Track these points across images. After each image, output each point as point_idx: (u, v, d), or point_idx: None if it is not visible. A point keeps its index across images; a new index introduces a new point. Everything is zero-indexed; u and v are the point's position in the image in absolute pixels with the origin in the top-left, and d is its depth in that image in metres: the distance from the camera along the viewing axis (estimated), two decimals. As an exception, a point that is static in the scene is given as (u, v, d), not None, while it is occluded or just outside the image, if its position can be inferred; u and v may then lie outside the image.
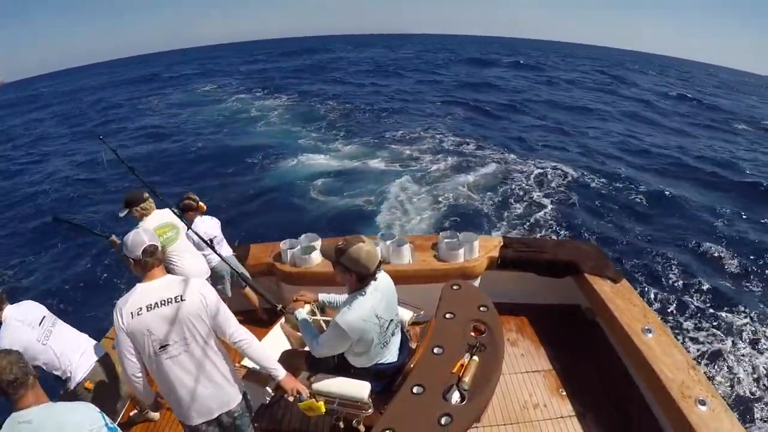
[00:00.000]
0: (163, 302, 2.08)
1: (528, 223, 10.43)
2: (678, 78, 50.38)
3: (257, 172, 14.78)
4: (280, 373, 2.35)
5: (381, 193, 12.36)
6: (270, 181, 13.82)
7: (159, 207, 3.77)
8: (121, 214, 3.71)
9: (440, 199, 11.88)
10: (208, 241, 4.05)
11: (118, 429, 1.88)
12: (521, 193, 12.24)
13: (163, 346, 2.09)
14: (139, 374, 2.17)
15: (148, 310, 2.05)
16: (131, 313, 2.05)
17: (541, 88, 32.32)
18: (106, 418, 1.85)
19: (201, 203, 4.21)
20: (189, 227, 3.37)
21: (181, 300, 2.10)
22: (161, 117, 25.81)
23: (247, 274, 4.33)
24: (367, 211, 11.45)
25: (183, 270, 3.74)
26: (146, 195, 3.65)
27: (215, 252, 3.95)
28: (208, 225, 4.22)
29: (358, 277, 2.31)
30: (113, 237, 3.94)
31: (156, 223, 3.66)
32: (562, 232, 9.95)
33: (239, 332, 2.26)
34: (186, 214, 4.16)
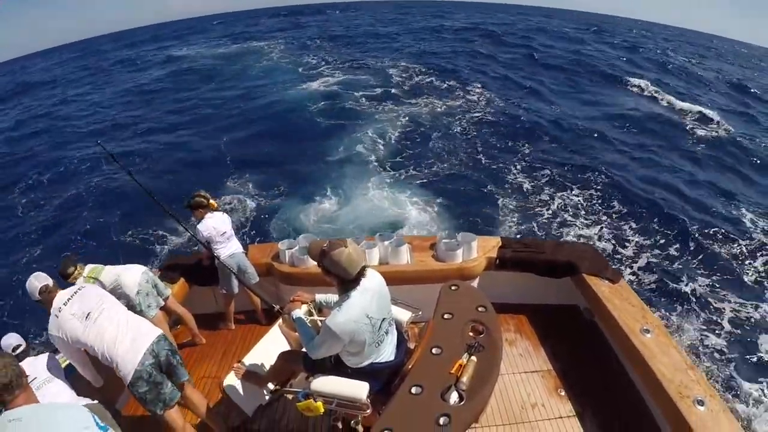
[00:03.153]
0: (70, 297, 2.86)
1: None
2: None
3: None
4: None
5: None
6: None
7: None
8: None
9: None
10: (206, 243, 4.09)
11: (110, 429, 1.88)
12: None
13: (87, 316, 2.77)
14: (89, 367, 2.98)
15: (65, 305, 2.81)
16: (56, 315, 2.77)
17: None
18: (97, 418, 1.85)
19: (212, 201, 4.22)
20: (186, 228, 3.39)
21: (82, 287, 2.98)
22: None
23: (255, 273, 4.36)
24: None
25: (128, 287, 3.74)
26: (71, 269, 3.65)
27: (211, 253, 3.95)
28: (217, 221, 4.20)
29: (339, 281, 2.36)
30: None
31: (84, 276, 3.71)
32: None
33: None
34: (196, 211, 4.18)
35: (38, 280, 2.89)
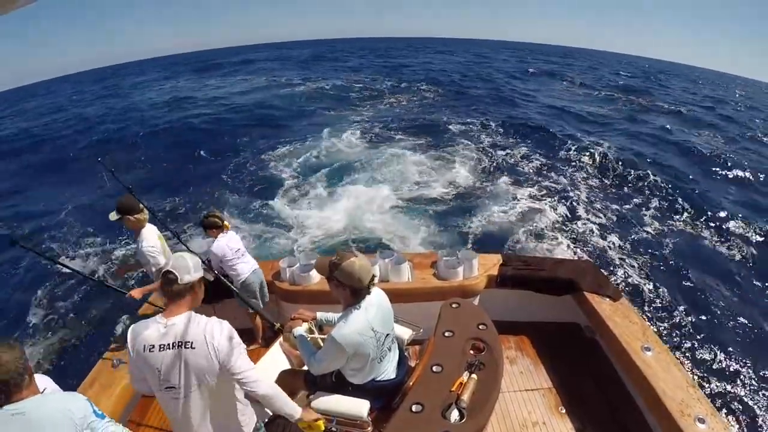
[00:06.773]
0: (175, 344, 2.02)
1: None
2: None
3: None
4: (296, 411, 2.28)
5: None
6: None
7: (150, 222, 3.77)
8: (112, 218, 3.53)
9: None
10: (216, 264, 4.08)
11: (105, 415, 1.92)
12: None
13: (169, 387, 2.06)
14: (150, 392, 2.15)
15: (160, 350, 2.01)
16: (144, 346, 2.02)
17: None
18: (94, 405, 1.91)
19: (226, 222, 4.20)
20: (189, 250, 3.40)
21: (191, 347, 2.02)
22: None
23: (266, 290, 4.36)
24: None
25: None
26: (142, 205, 3.57)
27: (221, 279, 3.94)
28: (230, 239, 4.19)
29: (351, 292, 2.36)
30: (133, 292, 3.58)
31: (155, 234, 3.67)
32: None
33: (249, 375, 2.13)
34: (209, 231, 4.17)
35: (192, 262, 2.13)
